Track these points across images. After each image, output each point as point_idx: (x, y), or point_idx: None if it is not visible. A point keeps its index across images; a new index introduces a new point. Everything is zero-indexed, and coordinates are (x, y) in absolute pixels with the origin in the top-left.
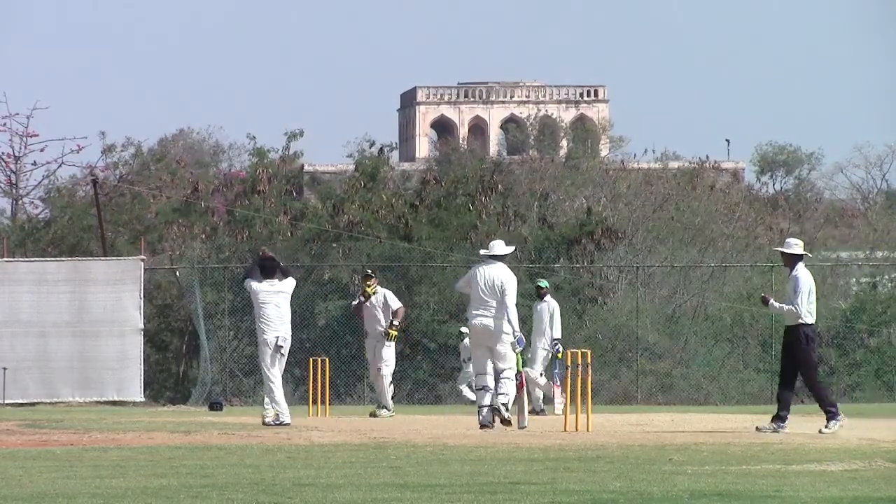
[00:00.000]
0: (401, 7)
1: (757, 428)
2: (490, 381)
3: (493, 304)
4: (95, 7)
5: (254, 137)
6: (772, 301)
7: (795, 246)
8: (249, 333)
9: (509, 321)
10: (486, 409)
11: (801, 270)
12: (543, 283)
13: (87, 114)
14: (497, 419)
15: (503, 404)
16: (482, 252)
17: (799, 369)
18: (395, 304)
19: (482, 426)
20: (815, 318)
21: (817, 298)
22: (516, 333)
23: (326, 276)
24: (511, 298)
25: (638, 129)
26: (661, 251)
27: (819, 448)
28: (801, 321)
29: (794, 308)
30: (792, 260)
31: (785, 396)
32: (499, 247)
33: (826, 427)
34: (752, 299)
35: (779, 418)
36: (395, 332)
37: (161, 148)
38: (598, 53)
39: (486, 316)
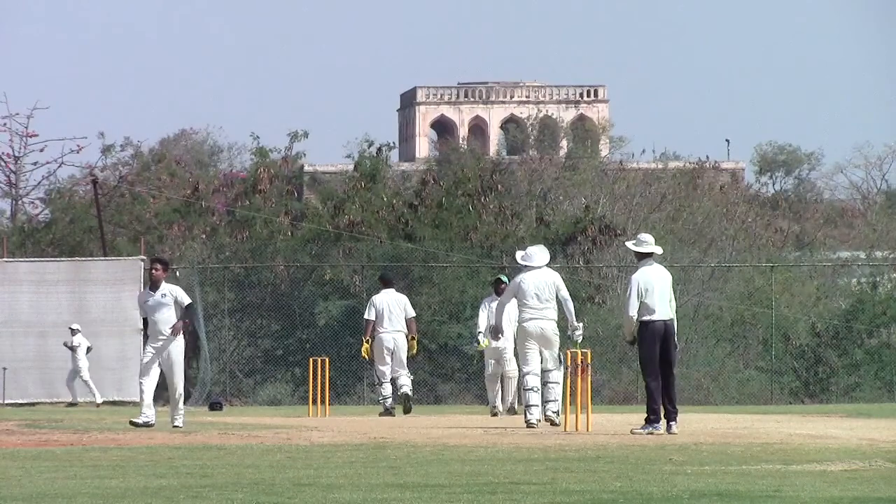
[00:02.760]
0: (401, 7)
1: (632, 431)
2: (538, 383)
3: (547, 306)
4: (96, 7)
5: (257, 137)
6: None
7: (644, 245)
8: (249, 334)
9: (570, 314)
10: (534, 408)
11: (639, 271)
12: (504, 278)
13: (87, 114)
14: (545, 420)
15: (554, 412)
16: (519, 256)
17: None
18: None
19: (528, 425)
20: (660, 314)
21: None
22: (577, 325)
23: (327, 277)
24: (567, 292)
25: (638, 129)
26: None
27: (819, 448)
28: (641, 319)
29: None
30: (638, 258)
31: (663, 394)
32: (538, 256)
33: (640, 428)
34: (752, 299)
35: (661, 418)
36: (364, 348)
37: (162, 148)
38: (598, 53)
39: (542, 319)
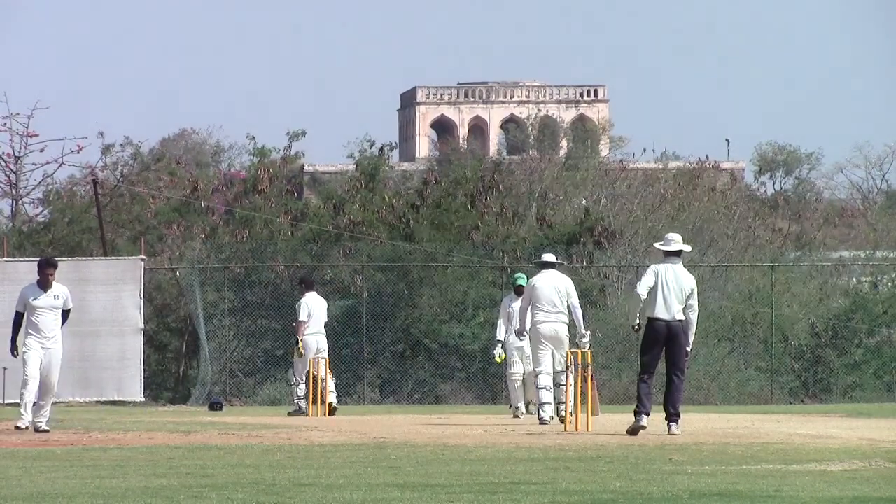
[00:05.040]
0: (401, 7)
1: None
2: (551, 382)
3: (560, 309)
4: (96, 7)
5: (253, 138)
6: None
7: (671, 243)
8: (249, 334)
9: (578, 320)
10: (547, 406)
11: (661, 263)
12: (522, 280)
13: (87, 114)
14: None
15: (560, 403)
16: (536, 262)
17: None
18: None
19: (541, 422)
20: (663, 314)
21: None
22: (584, 332)
23: (327, 277)
24: (576, 300)
25: (638, 129)
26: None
27: (819, 448)
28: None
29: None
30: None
31: (665, 397)
32: (550, 256)
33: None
34: (753, 299)
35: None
36: (298, 348)
37: (162, 148)
38: (598, 53)
39: (555, 321)
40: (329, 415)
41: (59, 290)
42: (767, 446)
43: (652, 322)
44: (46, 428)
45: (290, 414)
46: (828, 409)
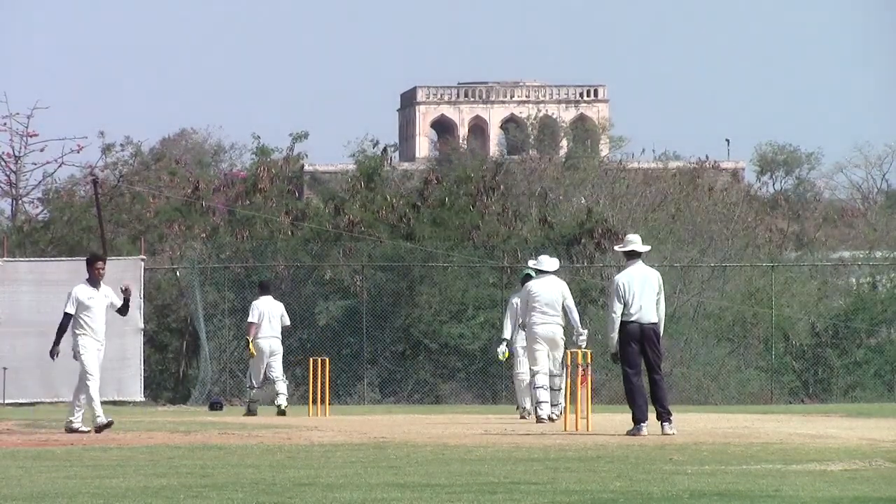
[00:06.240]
0: (401, 7)
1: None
2: (548, 381)
3: (556, 313)
4: (96, 7)
5: (258, 137)
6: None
7: (629, 244)
8: None
9: (575, 322)
10: (545, 405)
11: (623, 272)
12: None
13: (87, 114)
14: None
15: (558, 415)
16: (531, 264)
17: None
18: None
19: (538, 420)
20: (637, 317)
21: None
22: (581, 331)
23: (327, 276)
24: (572, 301)
25: (638, 129)
26: (660, 251)
27: (819, 448)
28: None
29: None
30: (626, 258)
31: (652, 398)
32: (548, 262)
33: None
34: (753, 299)
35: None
36: (250, 349)
37: (162, 148)
38: (598, 53)
39: (552, 324)
40: (279, 414)
41: (108, 290)
42: (767, 446)
43: (624, 325)
44: (91, 428)
45: (244, 415)
46: (828, 409)
